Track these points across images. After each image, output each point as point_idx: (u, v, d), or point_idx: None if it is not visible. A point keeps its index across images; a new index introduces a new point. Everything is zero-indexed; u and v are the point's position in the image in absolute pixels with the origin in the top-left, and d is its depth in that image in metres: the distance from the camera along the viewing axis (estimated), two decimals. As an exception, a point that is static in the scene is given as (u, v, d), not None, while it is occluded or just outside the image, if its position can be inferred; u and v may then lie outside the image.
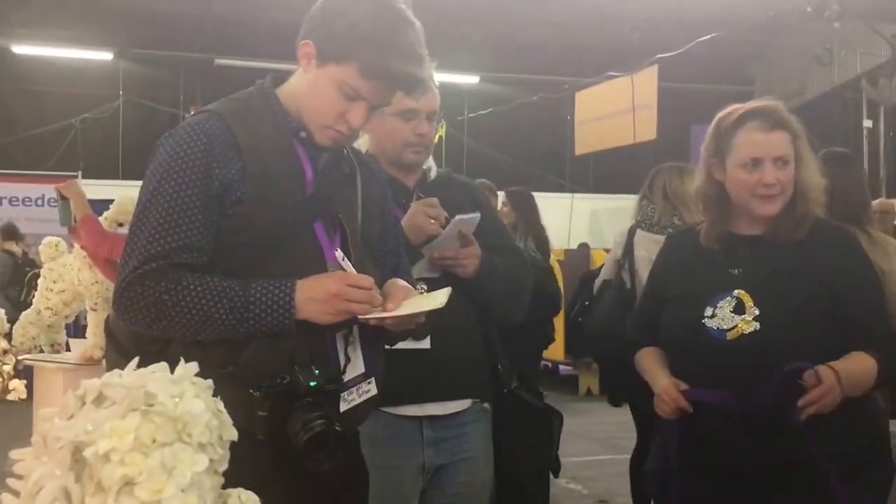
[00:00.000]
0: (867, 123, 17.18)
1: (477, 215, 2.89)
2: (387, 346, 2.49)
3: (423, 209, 2.83)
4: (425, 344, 2.77)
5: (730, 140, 2.74)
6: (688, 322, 2.74)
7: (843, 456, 2.57)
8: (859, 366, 2.61)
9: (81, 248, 5.23)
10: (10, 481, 1.18)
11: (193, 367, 1.28)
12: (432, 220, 2.81)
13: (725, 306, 2.68)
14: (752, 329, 2.62)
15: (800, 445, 2.53)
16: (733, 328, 2.65)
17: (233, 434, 1.27)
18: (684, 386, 2.67)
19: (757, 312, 2.63)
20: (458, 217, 2.83)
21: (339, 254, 2.22)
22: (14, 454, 1.20)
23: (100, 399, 1.20)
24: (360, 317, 2.16)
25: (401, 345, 2.57)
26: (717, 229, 2.83)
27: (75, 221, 5.17)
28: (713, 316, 2.68)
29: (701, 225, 2.92)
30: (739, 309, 2.66)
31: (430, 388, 2.84)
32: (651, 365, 2.86)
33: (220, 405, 1.26)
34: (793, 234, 2.73)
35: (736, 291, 2.68)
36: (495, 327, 3.06)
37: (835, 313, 2.65)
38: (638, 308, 3.10)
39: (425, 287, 2.70)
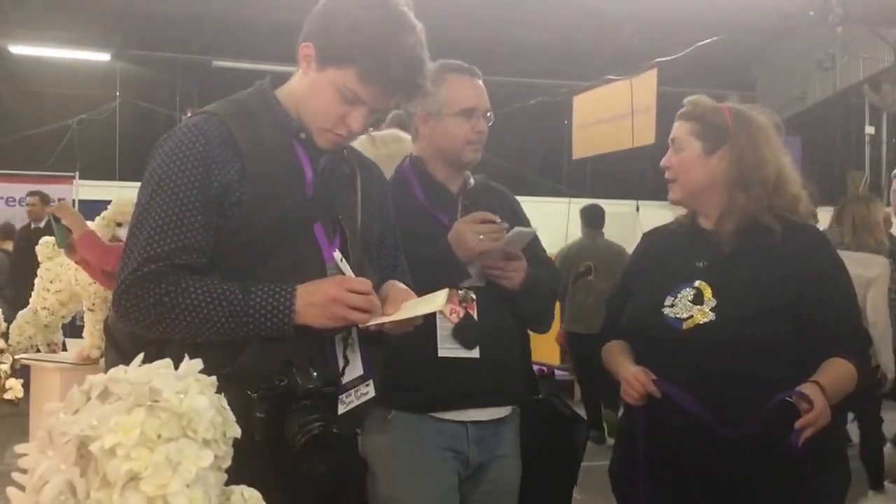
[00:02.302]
0: (869, 130, 17.18)
1: (534, 230, 2.97)
2: (439, 356, 2.71)
3: (473, 227, 2.85)
4: (475, 353, 2.83)
5: None
6: (647, 311, 2.78)
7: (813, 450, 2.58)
8: (841, 375, 2.63)
9: (78, 263, 5.21)
10: (15, 475, 1.17)
11: (198, 363, 1.28)
12: (481, 236, 2.83)
13: (685, 296, 2.72)
14: (707, 320, 2.66)
15: (769, 443, 2.54)
16: (689, 318, 2.68)
17: (236, 431, 1.27)
18: (653, 375, 2.68)
19: (714, 304, 2.67)
20: (517, 229, 2.89)
21: (336, 255, 2.22)
22: (19, 448, 1.20)
23: (105, 394, 1.21)
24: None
25: (452, 353, 2.76)
26: (688, 218, 2.92)
27: (70, 236, 5.14)
28: (672, 305, 2.72)
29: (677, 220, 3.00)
30: (698, 299, 2.70)
31: (477, 396, 2.89)
32: (615, 355, 2.87)
33: (224, 402, 1.27)
34: (725, 226, 2.79)
35: (697, 282, 2.72)
36: (528, 335, 3.13)
37: (802, 314, 2.66)
38: (607, 304, 3.10)
39: (474, 297, 2.85)
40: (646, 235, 3.09)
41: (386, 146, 3.54)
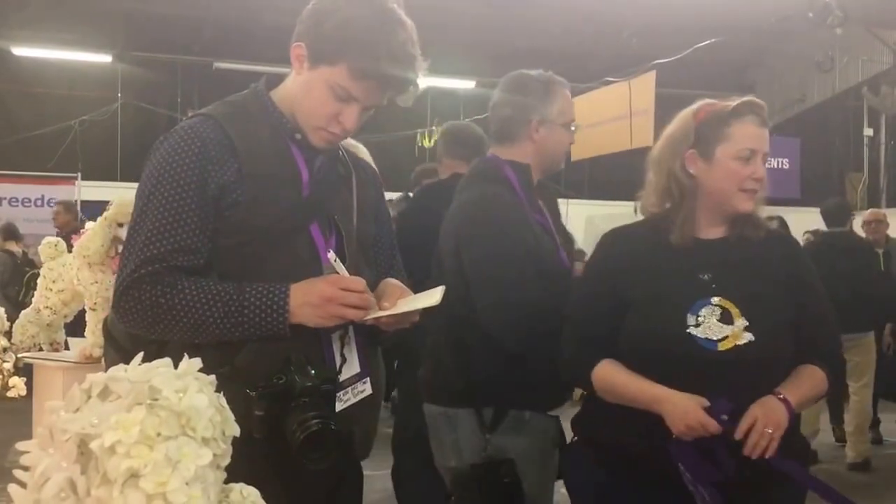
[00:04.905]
0: (868, 132, 17.20)
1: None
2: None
3: None
4: None
5: (723, 130, 2.64)
6: (671, 330, 2.57)
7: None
8: (812, 381, 2.61)
9: None
10: (17, 472, 1.19)
11: (197, 362, 1.29)
12: None
13: (710, 315, 2.56)
14: (746, 340, 2.52)
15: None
16: (723, 339, 2.53)
17: (235, 430, 1.27)
18: (705, 402, 2.46)
19: (746, 323, 2.55)
20: None
21: (331, 255, 2.22)
22: (20, 446, 1.21)
23: (105, 393, 1.22)
24: None
25: None
26: (690, 228, 2.70)
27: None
28: (698, 325, 2.55)
29: (649, 220, 2.80)
30: (726, 318, 2.56)
31: (567, 392, 3.21)
32: (636, 380, 2.59)
33: (223, 401, 1.27)
34: (755, 235, 2.70)
35: (715, 299, 2.58)
36: None
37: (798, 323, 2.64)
38: (581, 314, 2.77)
39: None
40: (610, 237, 2.87)
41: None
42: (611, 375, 2.64)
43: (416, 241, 3.63)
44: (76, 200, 14.07)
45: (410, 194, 5.92)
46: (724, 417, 2.43)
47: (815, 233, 10.39)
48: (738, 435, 2.42)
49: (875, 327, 7.94)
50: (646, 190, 2.80)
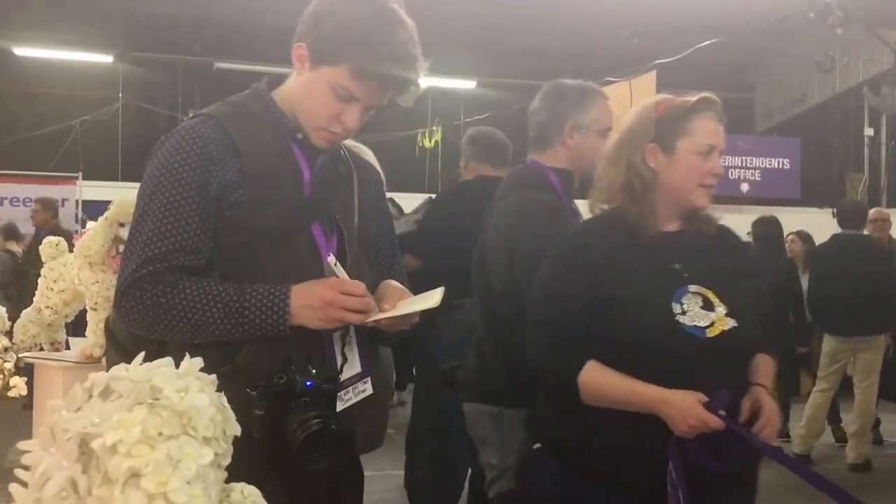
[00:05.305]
0: (868, 132, 17.19)
1: None
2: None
3: None
4: None
5: (684, 125, 2.65)
6: (659, 321, 2.54)
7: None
8: (771, 370, 2.69)
9: None
10: (18, 472, 1.19)
11: (198, 362, 1.29)
12: None
13: (693, 303, 2.56)
14: (730, 326, 2.55)
15: None
16: (710, 325, 2.53)
17: (236, 429, 1.27)
18: (703, 397, 2.43)
19: (726, 309, 2.57)
20: None
21: (331, 258, 2.23)
22: (22, 445, 1.21)
23: (106, 392, 1.22)
24: None
25: None
26: (654, 221, 2.69)
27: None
28: (684, 313, 2.54)
29: (601, 217, 2.79)
30: (707, 305, 2.57)
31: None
32: (627, 382, 2.52)
33: (224, 400, 1.28)
34: (708, 230, 2.75)
35: (692, 287, 2.59)
36: None
37: None
38: (556, 315, 2.67)
39: None
40: (569, 237, 2.83)
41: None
42: (599, 379, 2.56)
43: (441, 240, 3.62)
44: (77, 200, 14.10)
45: (433, 196, 5.99)
46: (723, 413, 2.44)
47: (798, 234, 10.37)
48: (758, 428, 2.50)
49: (886, 330, 7.91)
50: (597, 186, 2.81)
